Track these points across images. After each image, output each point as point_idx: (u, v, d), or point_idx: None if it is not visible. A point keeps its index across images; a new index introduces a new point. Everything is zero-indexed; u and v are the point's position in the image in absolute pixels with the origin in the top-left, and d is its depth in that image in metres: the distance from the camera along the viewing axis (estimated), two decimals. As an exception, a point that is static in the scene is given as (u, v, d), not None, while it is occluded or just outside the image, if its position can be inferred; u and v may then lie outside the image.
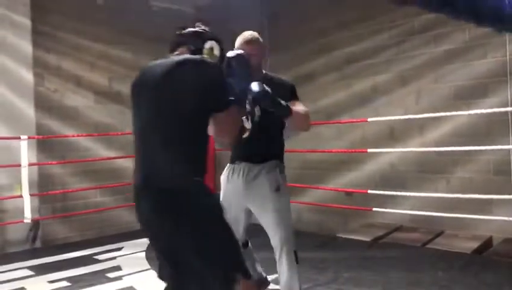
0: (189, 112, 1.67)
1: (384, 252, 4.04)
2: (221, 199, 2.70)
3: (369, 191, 4.51)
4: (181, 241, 1.67)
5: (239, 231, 2.66)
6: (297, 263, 2.42)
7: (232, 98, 1.75)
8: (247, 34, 2.50)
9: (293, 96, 2.49)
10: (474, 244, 4.06)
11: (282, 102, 2.28)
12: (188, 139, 1.70)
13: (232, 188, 2.55)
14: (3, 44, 4.66)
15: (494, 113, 3.93)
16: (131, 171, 1.91)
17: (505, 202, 3.93)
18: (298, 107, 2.40)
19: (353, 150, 4.98)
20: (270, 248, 2.41)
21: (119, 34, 5.43)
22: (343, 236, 4.67)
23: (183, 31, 1.86)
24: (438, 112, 4.28)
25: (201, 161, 1.75)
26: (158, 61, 1.79)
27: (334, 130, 5.35)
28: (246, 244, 2.73)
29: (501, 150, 4.02)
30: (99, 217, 5.18)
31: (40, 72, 4.97)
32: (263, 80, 2.37)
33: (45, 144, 4.91)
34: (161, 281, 1.81)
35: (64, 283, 3.51)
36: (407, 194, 4.32)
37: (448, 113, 4.16)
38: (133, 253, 4.31)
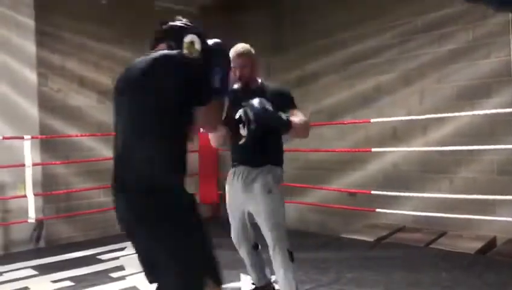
0: (164, 109, 1.64)
1: (387, 253, 4.03)
2: (226, 204, 2.72)
3: (372, 192, 4.51)
4: (155, 242, 1.66)
5: (248, 235, 2.69)
6: (292, 261, 2.46)
7: (212, 90, 1.70)
8: (239, 46, 2.57)
9: (291, 105, 2.53)
10: (478, 245, 4.04)
11: (283, 116, 2.33)
12: (164, 137, 1.67)
13: (234, 192, 2.63)
14: (8, 44, 4.69)
15: (498, 113, 3.92)
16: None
17: (508, 202, 3.91)
18: (297, 117, 2.44)
19: (357, 150, 4.96)
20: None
21: (123, 34, 5.45)
22: (346, 236, 4.66)
23: (163, 27, 1.82)
24: (442, 112, 4.28)
25: (179, 159, 1.71)
26: (139, 59, 1.75)
27: (337, 130, 5.33)
28: (255, 247, 2.74)
29: (505, 150, 4.00)
30: (102, 217, 5.18)
31: (44, 72, 4.99)
32: (260, 90, 2.41)
33: (49, 143, 4.93)
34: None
35: (68, 283, 3.53)
36: (411, 194, 4.31)
37: (451, 114, 4.16)
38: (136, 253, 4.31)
